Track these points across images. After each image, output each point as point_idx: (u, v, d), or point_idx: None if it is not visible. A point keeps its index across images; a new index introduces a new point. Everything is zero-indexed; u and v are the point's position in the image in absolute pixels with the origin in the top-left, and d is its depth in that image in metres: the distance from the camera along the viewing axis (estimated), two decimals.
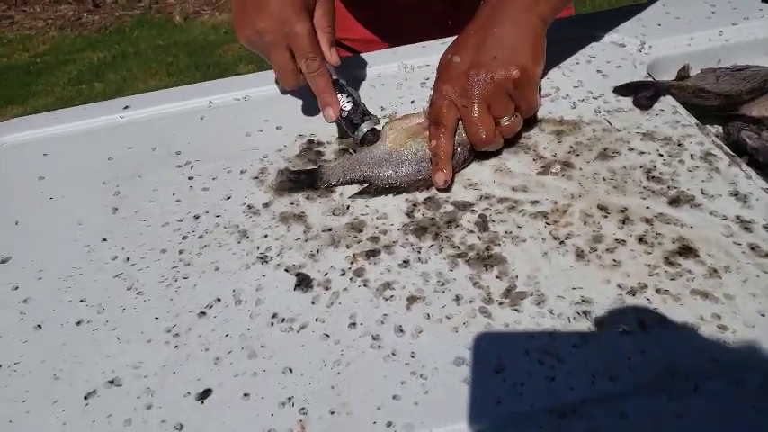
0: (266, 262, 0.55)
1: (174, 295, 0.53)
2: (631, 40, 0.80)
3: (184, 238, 0.58)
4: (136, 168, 0.67)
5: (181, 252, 0.57)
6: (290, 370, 0.46)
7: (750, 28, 0.80)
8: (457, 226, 0.56)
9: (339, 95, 0.64)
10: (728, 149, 0.62)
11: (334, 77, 0.66)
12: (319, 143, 0.68)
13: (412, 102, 0.73)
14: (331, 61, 0.65)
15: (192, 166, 0.67)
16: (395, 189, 0.61)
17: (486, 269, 0.52)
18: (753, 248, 0.51)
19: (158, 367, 0.47)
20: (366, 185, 0.61)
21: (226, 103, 0.77)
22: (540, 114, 0.68)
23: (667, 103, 0.69)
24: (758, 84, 0.71)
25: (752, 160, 0.64)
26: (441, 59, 0.64)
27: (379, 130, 0.64)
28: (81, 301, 0.53)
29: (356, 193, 0.61)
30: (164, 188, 0.64)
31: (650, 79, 0.73)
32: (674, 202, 0.56)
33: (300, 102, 0.75)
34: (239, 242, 0.57)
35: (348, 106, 0.64)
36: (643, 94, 0.70)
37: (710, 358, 0.43)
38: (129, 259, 0.57)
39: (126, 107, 0.77)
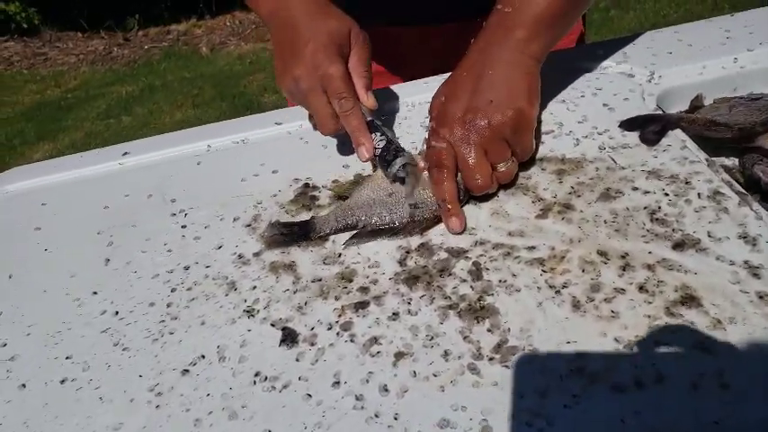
0: (253, 315, 0.54)
1: (159, 351, 0.52)
2: (640, 69, 0.78)
3: (173, 290, 0.57)
4: (131, 217, 0.68)
5: (169, 305, 0.56)
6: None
7: (765, 54, 0.76)
8: (450, 274, 0.54)
9: (373, 135, 0.64)
10: (739, 187, 0.59)
11: (369, 118, 0.65)
12: (314, 187, 0.68)
13: (412, 142, 0.72)
14: (367, 105, 0.65)
15: (185, 214, 0.67)
16: (389, 231, 0.59)
17: (478, 321, 0.50)
18: (761, 297, 0.48)
19: (138, 429, 0.46)
20: (360, 229, 0.60)
21: (224, 147, 0.77)
22: (541, 152, 0.66)
23: (676, 137, 0.66)
24: None
25: (764, 196, 0.61)
26: (433, 101, 0.63)
27: (414, 165, 0.62)
28: (67, 357, 0.53)
29: (350, 239, 0.60)
30: (156, 237, 0.64)
31: (658, 112, 0.71)
32: (679, 246, 0.53)
33: (298, 144, 0.75)
34: (227, 294, 0.56)
35: (381, 144, 0.63)
36: (651, 128, 0.67)
37: (711, 422, 0.40)
38: (117, 313, 0.56)
39: (125, 153, 0.77)
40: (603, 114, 0.71)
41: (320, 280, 0.56)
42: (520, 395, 0.44)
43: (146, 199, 0.70)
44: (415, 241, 0.58)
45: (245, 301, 0.55)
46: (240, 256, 0.60)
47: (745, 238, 0.53)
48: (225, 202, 0.67)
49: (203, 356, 0.51)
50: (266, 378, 0.48)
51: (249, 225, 0.64)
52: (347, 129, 0.63)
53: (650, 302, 0.49)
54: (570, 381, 0.44)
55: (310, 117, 0.75)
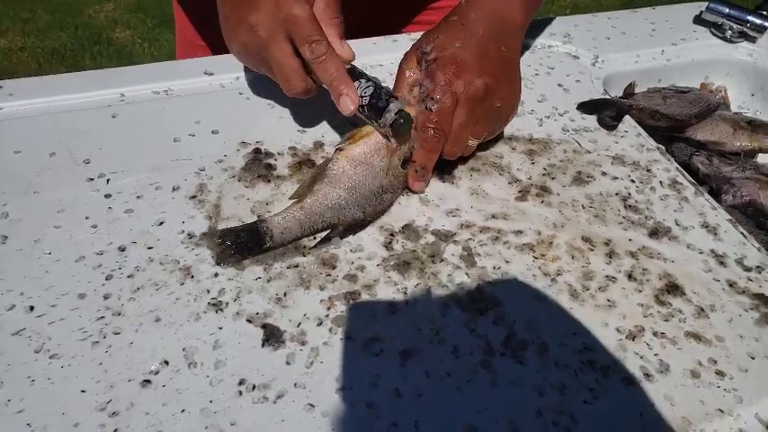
0: (221, 310, 0.45)
1: (104, 358, 0.41)
2: (585, 53, 0.78)
3: (109, 278, 0.46)
4: (29, 181, 0.53)
5: (106, 297, 0.45)
6: None
7: (688, 49, 0.81)
8: (442, 260, 0.50)
9: (356, 82, 0.51)
10: (691, 178, 0.62)
11: (348, 66, 0.53)
12: (268, 153, 0.59)
13: None
14: (344, 56, 0.54)
15: (107, 180, 0.54)
16: (365, 225, 0.53)
17: (481, 313, 0.46)
18: (731, 285, 0.51)
19: None
20: (330, 231, 0.51)
21: (143, 97, 0.64)
22: (508, 131, 0.64)
23: (630, 124, 0.68)
24: (703, 108, 0.73)
25: (701, 183, 0.65)
26: (440, 55, 0.53)
27: (411, 116, 0.52)
28: None
29: (321, 241, 0.51)
30: (72, 209, 0.51)
31: (608, 96, 0.72)
32: (654, 234, 0.55)
33: (237, 100, 0.65)
34: (182, 283, 0.47)
35: (369, 91, 0.51)
36: (606, 113, 0.68)
37: (716, 409, 0.42)
38: (32, 309, 0.44)
39: (10, 95, 0.61)
40: (560, 95, 0.71)
41: (297, 266, 0.49)
42: (540, 393, 0.42)
43: (47, 158, 0.55)
44: (397, 223, 0.53)
45: (208, 291, 0.46)
46: (190, 236, 0.50)
47: (707, 227, 0.56)
48: (158, 166, 0.56)
49: (166, 362, 0.41)
50: (254, 387, 0.41)
51: (194, 197, 0.53)
52: (323, 79, 0.51)
53: (640, 291, 0.49)
54: (584, 375, 0.43)
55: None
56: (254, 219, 0.51)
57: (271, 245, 0.49)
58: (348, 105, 0.50)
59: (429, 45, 0.54)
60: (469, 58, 0.53)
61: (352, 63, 0.55)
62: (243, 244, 0.48)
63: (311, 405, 0.40)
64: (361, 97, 0.51)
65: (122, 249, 0.48)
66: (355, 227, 0.52)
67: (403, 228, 0.53)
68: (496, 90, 0.54)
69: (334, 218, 0.51)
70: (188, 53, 0.86)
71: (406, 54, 0.56)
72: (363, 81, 0.52)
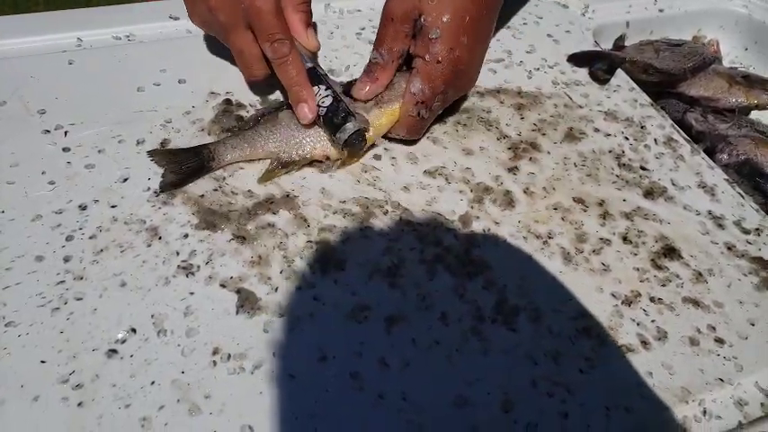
0: (192, 273, 0.42)
1: (65, 326, 0.38)
2: (574, 1, 0.75)
3: (69, 239, 0.42)
4: None
5: (66, 260, 0.41)
6: (251, 429, 0.35)
7: (681, 0, 0.78)
8: (428, 222, 0.47)
9: (316, 88, 0.49)
10: (686, 135, 0.59)
11: (309, 65, 0.50)
12: (240, 105, 0.54)
13: (361, 60, 0.61)
14: (308, 46, 0.51)
15: (65, 132, 0.49)
16: (304, 161, 0.50)
17: (470, 278, 0.44)
18: (729, 248, 0.49)
19: None
20: (271, 162, 0.49)
21: (102, 43, 0.58)
22: (496, 82, 0.61)
23: (623, 78, 0.65)
24: (698, 62, 0.70)
25: (696, 141, 0.63)
26: (446, 36, 0.48)
27: (366, 130, 0.49)
28: None
29: (266, 174, 0.48)
30: (27, 163, 0.47)
31: (599, 48, 0.68)
32: (649, 194, 0.52)
33: (204, 48, 0.60)
34: (149, 245, 0.43)
35: (327, 101, 0.48)
36: (598, 65, 0.65)
37: (716, 378, 0.40)
38: None
39: None
40: (550, 46, 0.67)
41: (272, 225, 0.45)
42: (533, 362, 0.40)
43: None
44: (377, 181, 0.50)
45: (178, 253, 0.43)
46: (156, 193, 0.46)
47: (704, 187, 0.54)
48: (120, 118, 0.51)
49: (134, 330, 0.38)
50: (229, 356, 0.38)
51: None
52: (282, 81, 0.49)
53: (636, 254, 0.47)
54: (579, 343, 0.41)
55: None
56: (226, 175, 0.47)
57: (214, 166, 0.47)
58: (306, 114, 0.48)
59: (428, 15, 0.47)
60: (472, 65, 0.51)
61: (315, 60, 0.52)
62: (187, 163, 0.46)
63: (291, 376, 0.37)
64: (318, 106, 0.48)
65: (83, 208, 0.44)
66: (297, 162, 0.49)
67: (384, 187, 0.49)
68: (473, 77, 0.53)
69: (278, 148, 0.49)
70: None
71: (392, 7, 0.48)
72: (323, 88, 0.49)
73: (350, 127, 0.47)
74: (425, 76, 0.48)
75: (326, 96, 0.48)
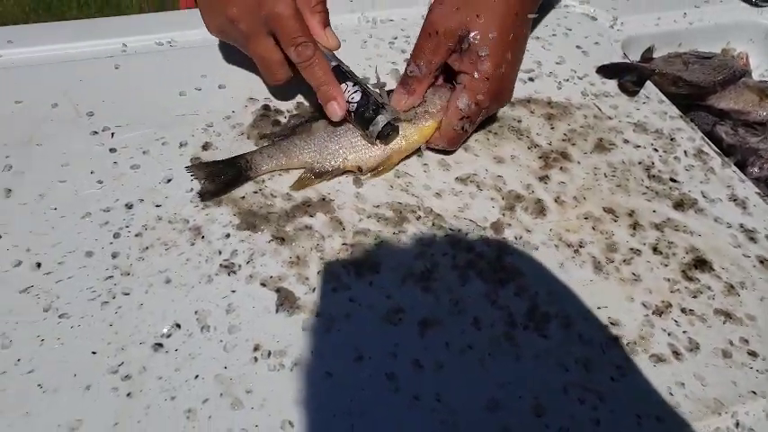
0: (234, 272, 0.43)
1: (114, 319, 0.40)
2: (603, 13, 0.75)
3: (116, 236, 0.44)
4: (31, 132, 0.50)
5: (114, 256, 0.43)
6: (291, 424, 0.36)
7: (711, 12, 0.78)
8: (459, 229, 0.48)
9: (343, 86, 0.50)
10: (716, 147, 0.60)
11: (334, 63, 0.51)
12: (277, 110, 0.56)
13: (393, 69, 0.63)
14: (329, 45, 0.52)
15: (112, 134, 0.51)
16: (339, 171, 0.51)
17: (503, 284, 0.45)
18: (761, 261, 0.49)
19: (107, 428, 0.35)
20: (305, 172, 0.50)
21: (145, 48, 0.60)
22: (526, 92, 0.62)
23: (652, 90, 0.65)
24: (728, 75, 0.70)
25: (726, 155, 0.63)
26: (494, 54, 0.48)
27: (399, 120, 0.50)
28: None
29: (298, 182, 0.49)
30: (77, 163, 0.49)
31: (627, 61, 0.69)
32: (679, 205, 0.53)
33: (243, 55, 0.61)
34: (193, 243, 0.45)
35: (357, 97, 0.49)
36: (627, 78, 0.66)
37: (749, 390, 0.41)
38: (39, 266, 0.42)
39: (9, 42, 0.57)
40: (579, 57, 0.68)
41: (309, 228, 0.47)
42: (565, 368, 0.41)
43: (50, 109, 0.52)
44: (410, 187, 0.51)
45: (220, 252, 0.44)
46: (200, 194, 0.48)
47: (735, 200, 0.54)
48: (163, 121, 0.53)
49: (178, 325, 0.40)
50: (270, 353, 0.39)
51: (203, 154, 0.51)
52: (310, 82, 0.50)
53: (666, 265, 0.48)
54: (611, 351, 0.42)
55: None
56: (265, 178, 0.49)
57: (252, 175, 0.49)
58: (336, 111, 0.49)
59: (478, 33, 0.48)
60: (513, 80, 0.52)
61: (337, 58, 0.52)
62: (225, 175, 0.48)
63: (328, 374, 0.39)
64: (348, 103, 0.49)
65: (129, 207, 0.46)
66: (332, 172, 0.50)
67: (416, 193, 0.51)
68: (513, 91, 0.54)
69: (313, 157, 0.50)
70: (192, 3, 0.82)
71: (436, 21, 0.49)
72: (351, 85, 0.50)
73: (381, 119, 0.48)
74: (472, 92, 0.49)
75: (355, 92, 0.49)
